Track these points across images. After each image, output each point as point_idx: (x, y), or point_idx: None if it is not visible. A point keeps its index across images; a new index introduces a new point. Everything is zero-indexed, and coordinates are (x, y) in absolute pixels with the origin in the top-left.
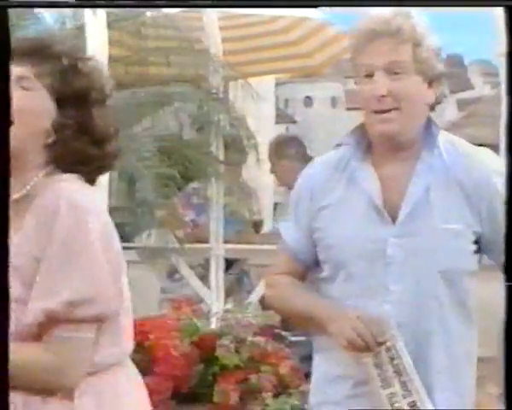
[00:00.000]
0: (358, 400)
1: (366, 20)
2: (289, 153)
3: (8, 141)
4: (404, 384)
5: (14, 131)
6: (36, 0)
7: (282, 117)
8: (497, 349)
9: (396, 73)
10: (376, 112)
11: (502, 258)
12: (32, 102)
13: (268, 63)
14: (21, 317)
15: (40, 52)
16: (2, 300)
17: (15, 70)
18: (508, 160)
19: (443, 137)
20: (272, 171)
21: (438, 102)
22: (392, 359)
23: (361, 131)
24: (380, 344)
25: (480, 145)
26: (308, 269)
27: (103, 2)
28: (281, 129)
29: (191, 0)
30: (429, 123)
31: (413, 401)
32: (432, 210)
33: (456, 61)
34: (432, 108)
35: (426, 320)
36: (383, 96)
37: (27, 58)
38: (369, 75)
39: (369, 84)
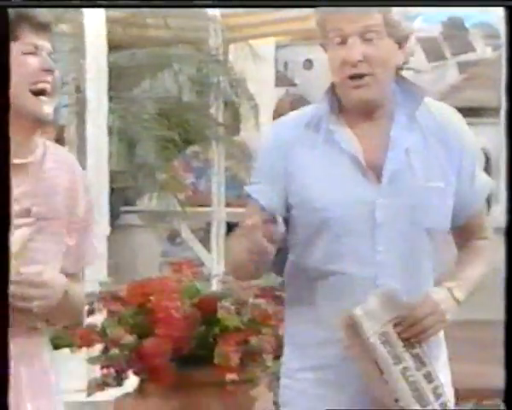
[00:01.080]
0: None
1: None
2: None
3: (8, 136)
4: (416, 356)
5: None
6: (36, 0)
7: (281, 80)
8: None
9: (369, 39)
10: (351, 77)
11: (459, 221)
12: None
13: (267, 26)
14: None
15: None
16: (2, 299)
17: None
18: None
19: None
20: None
21: (406, 61)
22: (399, 333)
23: (331, 92)
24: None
25: (481, 108)
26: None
27: (103, 2)
28: (280, 92)
29: (191, 0)
30: (410, 86)
31: (427, 372)
32: (414, 170)
33: (456, 24)
34: (400, 68)
35: (415, 279)
36: (359, 61)
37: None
38: (342, 42)
39: (343, 50)
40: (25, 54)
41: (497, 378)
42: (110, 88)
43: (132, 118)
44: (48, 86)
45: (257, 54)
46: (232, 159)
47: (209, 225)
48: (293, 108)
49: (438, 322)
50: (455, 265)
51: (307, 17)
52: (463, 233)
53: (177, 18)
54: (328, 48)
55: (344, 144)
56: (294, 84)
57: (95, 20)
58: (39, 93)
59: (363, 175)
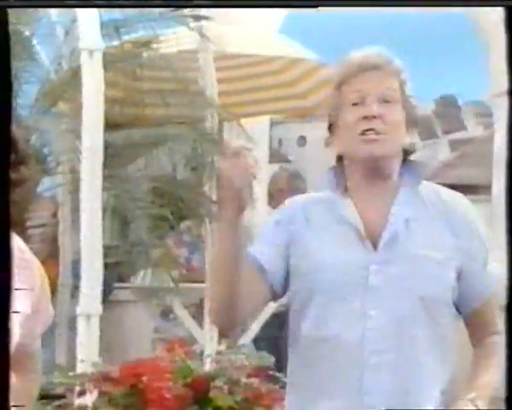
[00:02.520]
0: None
1: (355, 55)
2: (293, 187)
3: (9, 141)
4: None
5: None
6: (36, 0)
7: (275, 156)
8: None
9: (386, 101)
10: (363, 133)
11: (470, 307)
12: None
13: (262, 104)
14: None
15: None
16: (2, 301)
17: None
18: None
19: (427, 185)
20: (274, 206)
21: (410, 151)
22: None
23: (338, 171)
24: None
25: (473, 185)
26: (272, 295)
27: (103, 2)
28: (275, 168)
29: (192, 0)
30: (412, 166)
31: None
32: (412, 238)
33: (449, 102)
34: (405, 153)
35: (406, 348)
36: (374, 117)
37: None
38: (360, 102)
39: (360, 109)
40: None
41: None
42: (105, 166)
43: (126, 196)
44: None
45: (251, 133)
46: None
47: (202, 301)
48: (290, 183)
49: None
50: (472, 368)
51: (302, 95)
52: (476, 325)
53: (175, 96)
54: (344, 109)
55: (343, 212)
56: (288, 161)
57: (93, 100)
58: None
59: (361, 241)
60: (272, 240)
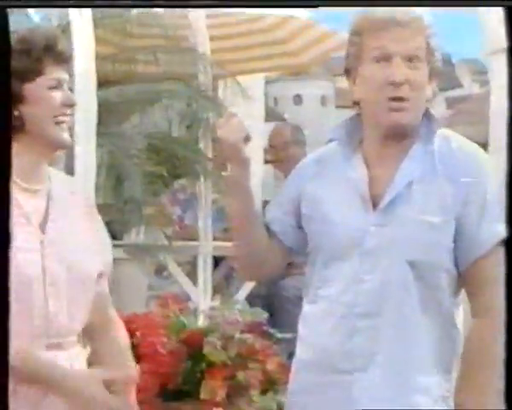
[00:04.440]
0: (330, 388)
1: (381, 9)
2: (297, 139)
3: (10, 139)
4: None
5: None
6: (36, 0)
7: (271, 115)
8: None
9: (411, 61)
10: (391, 99)
11: (468, 259)
12: None
13: (256, 61)
14: None
15: None
16: (2, 299)
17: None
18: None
19: (440, 133)
20: (276, 160)
21: (432, 98)
22: None
23: (353, 123)
24: None
25: None
26: (290, 253)
27: (103, 2)
28: (271, 127)
29: (192, 0)
30: (429, 118)
31: None
32: (412, 202)
33: (444, 60)
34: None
35: (396, 313)
36: (401, 83)
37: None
38: (384, 59)
39: (386, 69)
40: (49, 89)
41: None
42: (99, 123)
43: (121, 153)
44: (68, 119)
45: (246, 90)
46: (219, 192)
47: (196, 258)
48: (293, 135)
49: None
50: (461, 363)
51: (297, 52)
52: (469, 284)
53: (167, 53)
54: (366, 61)
55: (351, 171)
56: (284, 120)
57: (84, 57)
58: (60, 123)
59: (362, 202)
60: (282, 199)
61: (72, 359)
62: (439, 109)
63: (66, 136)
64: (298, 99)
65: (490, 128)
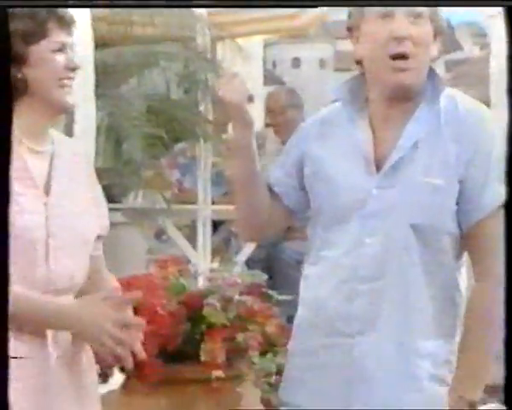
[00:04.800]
0: (331, 350)
1: None
2: (293, 103)
3: (10, 136)
4: None
5: None
6: (36, 0)
7: (270, 78)
8: None
9: (415, 19)
10: (394, 58)
11: (471, 220)
12: None
13: (253, 23)
14: None
15: None
16: (1, 299)
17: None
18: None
19: (445, 92)
20: (274, 124)
21: (436, 58)
22: None
23: (357, 82)
24: None
25: None
26: (291, 215)
27: (103, 2)
28: (269, 90)
29: (192, 0)
30: (434, 77)
31: None
32: (416, 164)
33: None
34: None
35: (397, 276)
36: (404, 38)
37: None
38: (388, 15)
39: (389, 24)
40: (53, 51)
41: (497, 376)
42: (97, 85)
43: (120, 115)
44: (71, 82)
45: (245, 52)
46: (219, 156)
47: (195, 222)
48: (290, 99)
49: None
50: (460, 351)
51: (295, 15)
52: (471, 246)
53: (163, 16)
54: (369, 18)
55: (355, 132)
56: (283, 83)
57: (80, 18)
58: (63, 86)
59: (366, 163)
60: (284, 160)
61: None
62: (438, 72)
63: (69, 99)
64: (296, 62)
65: (490, 92)
